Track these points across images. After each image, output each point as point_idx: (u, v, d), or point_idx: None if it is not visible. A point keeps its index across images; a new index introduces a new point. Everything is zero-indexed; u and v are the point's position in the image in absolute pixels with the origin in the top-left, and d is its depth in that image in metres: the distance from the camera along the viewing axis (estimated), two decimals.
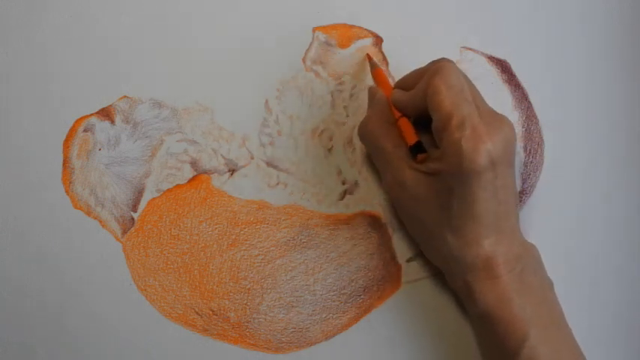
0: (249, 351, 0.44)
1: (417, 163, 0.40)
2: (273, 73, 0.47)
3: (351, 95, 0.47)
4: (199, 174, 0.46)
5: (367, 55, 0.47)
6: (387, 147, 0.41)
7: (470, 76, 0.47)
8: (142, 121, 0.47)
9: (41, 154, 0.46)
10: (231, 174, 0.46)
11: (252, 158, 0.46)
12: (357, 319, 0.45)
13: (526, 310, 0.38)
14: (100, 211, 0.45)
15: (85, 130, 0.46)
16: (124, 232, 0.45)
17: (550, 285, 0.40)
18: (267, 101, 0.47)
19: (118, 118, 0.46)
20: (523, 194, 0.46)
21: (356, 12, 0.48)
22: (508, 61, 0.48)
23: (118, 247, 0.45)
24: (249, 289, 0.45)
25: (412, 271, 0.45)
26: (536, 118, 0.47)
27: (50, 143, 0.46)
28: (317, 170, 0.46)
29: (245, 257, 0.45)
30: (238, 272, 0.45)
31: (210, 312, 0.45)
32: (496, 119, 0.39)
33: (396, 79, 0.47)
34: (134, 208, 0.46)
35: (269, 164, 0.46)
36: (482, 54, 0.48)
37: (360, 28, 0.48)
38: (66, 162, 0.46)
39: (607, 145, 0.47)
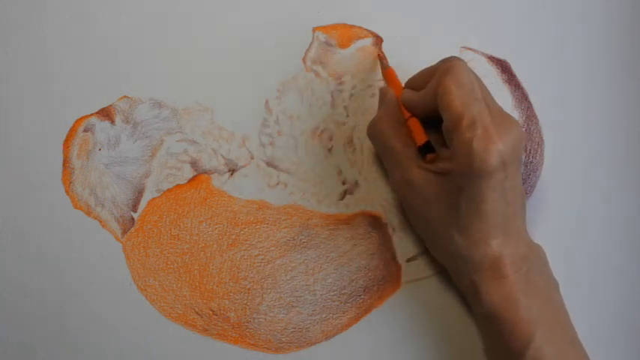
0: (249, 351, 0.44)
1: (426, 163, 0.40)
2: (273, 73, 0.47)
3: (351, 95, 0.47)
4: (199, 174, 0.46)
5: (379, 54, 0.47)
6: (397, 146, 0.41)
7: None
8: (142, 121, 0.47)
9: (41, 154, 0.46)
10: (231, 174, 0.46)
11: (252, 158, 0.46)
12: (357, 319, 0.45)
13: (532, 311, 0.38)
14: (100, 211, 0.45)
15: (85, 130, 0.46)
16: (124, 232, 0.45)
17: (556, 285, 0.40)
18: (267, 101, 0.47)
19: (118, 118, 0.46)
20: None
21: (356, 12, 0.48)
22: (508, 61, 0.48)
23: (118, 247, 0.45)
24: (249, 289, 0.45)
25: (412, 271, 0.45)
26: (536, 118, 0.47)
27: (50, 143, 0.46)
28: (317, 170, 0.46)
29: (245, 257, 0.45)
30: (238, 272, 0.45)
31: (210, 312, 0.45)
32: (505, 119, 0.39)
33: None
34: (134, 208, 0.46)
35: (269, 164, 0.46)
36: (483, 54, 0.48)
37: (360, 28, 0.48)
38: (66, 162, 0.46)
39: (607, 145, 0.47)
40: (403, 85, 0.44)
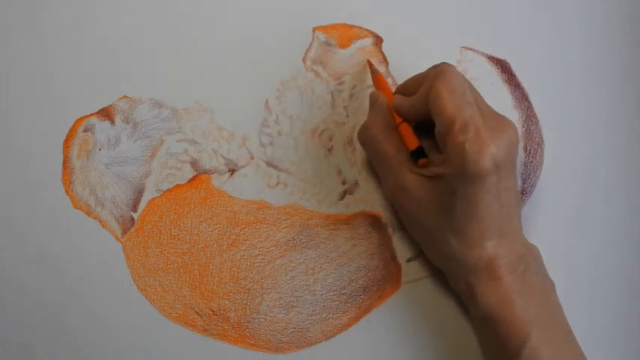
0: (249, 351, 0.44)
1: (418, 168, 0.40)
2: (273, 73, 0.47)
3: (351, 95, 0.47)
4: (199, 174, 0.46)
5: (368, 61, 0.47)
6: (389, 151, 0.41)
7: (470, 76, 0.47)
8: (142, 121, 0.47)
9: (41, 154, 0.46)
10: (231, 174, 0.46)
11: (252, 158, 0.46)
12: (357, 319, 0.45)
13: (528, 311, 0.38)
14: (100, 211, 0.45)
15: (85, 130, 0.46)
16: (124, 232, 0.45)
17: (552, 286, 0.40)
18: (267, 101, 0.47)
19: (118, 118, 0.46)
20: (523, 194, 0.46)
21: (356, 12, 0.48)
22: (508, 61, 0.48)
23: (118, 247, 0.45)
24: (249, 289, 0.45)
25: (412, 271, 0.45)
26: (536, 118, 0.47)
27: (50, 143, 0.46)
28: (317, 170, 0.46)
29: (245, 257, 0.45)
30: (238, 272, 0.45)
31: (210, 312, 0.45)
32: (499, 122, 0.39)
33: (396, 79, 0.47)
34: (134, 208, 0.46)
35: (269, 164, 0.46)
36: (483, 54, 0.48)
37: (360, 28, 0.48)
38: (66, 162, 0.46)
39: (607, 145, 0.47)
40: (393, 90, 0.44)
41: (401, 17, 0.48)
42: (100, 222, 0.45)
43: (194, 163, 0.46)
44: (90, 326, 0.44)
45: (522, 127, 0.47)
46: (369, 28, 0.48)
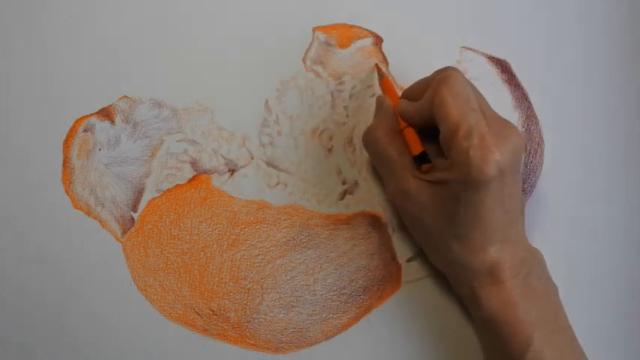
0: (249, 351, 0.44)
1: (422, 173, 0.40)
2: (273, 73, 0.47)
3: (351, 95, 0.47)
4: (199, 174, 0.46)
5: (376, 65, 0.47)
6: (392, 155, 0.41)
7: (470, 76, 0.47)
8: (142, 121, 0.47)
9: (41, 154, 0.46)
10: (231, 174, 0.46)
11: (252, 158, 0.46)
12: (357, 319, 0.45)
13: (531, 315, 0.38)
14: (100, 211, 0.45)
15: (85, 130, 0.46)
16: (124, 232, 0.45)
17: (555, 289, 0.40)
18: (267, 101, 0.47)
19: (118, 118, 0.46)
20: (523, 194, 0.46)
21: (356, 12, 0.48)
22: (508, 61, 0.48)
23: (118, 247, 0.45)
24: (249, 289, 0.45)
25: (412, 270, 0.45)
26: (536, 118, 0.47)
27: (50, 143, 0.46)
28: (317, 170, 0.46)
29: (245, 257, 0.45)
30: (238, 272, 0.45)
31: (210, 312, 0.45)
32: (504, 127, 0.39)
33: (396, 79, 0.47)
34: (134, 208, 0.46)
35: (269, 164, 0.46)
36: (483, 54, 0.48)
37: (360, 28, 0.48)
38: (66, 162, 0.46)
39: (607, 145, 0.47)
40: (400, 94, 0.44)
41: (401, 17, 0.48)
42: (100, 222, 0.45)
43: (194, 163, 0.46)
44: (90, 326, 0.44)
45: (522, 127, 0.47)
46: (369, 28, 0.48)
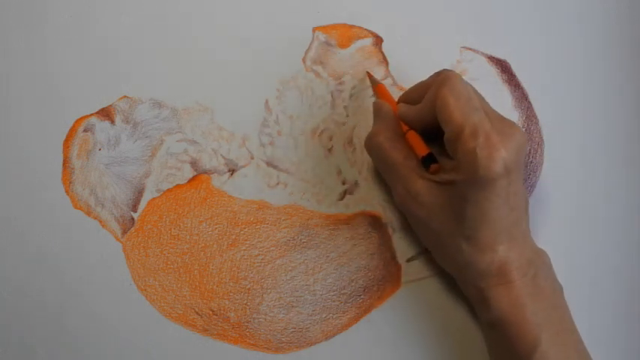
0: (249, 351, 0.44)
1: (430, 174, 0.40)
2: (273, 73, 0.47)
3: (351, 95, 0.47)
4: (199, 174, 0.46)
5: (367, 72, 0.47)
6: (397, 159, 0.41)
7: (470, 76, 0.47)
8: (142, 121, 0.47)
9: (41, 154, 0.46)
10: (231, 174, 0.46)
11: (252, 158, 0.46)
12: (357, 319, 0.45)
13: (538, 315, 0.38)
14: (100, 211, 0.45)
15: (85, 130, 0.46)
16: (124, 232, 0.45)
17: (560, 290, 0.40)
18: (267, 101, 0.47)
19: (118, 118, 0.46)
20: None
21: (356, 12, 0.48)
22: (508, 61, 0.48)
23: (118, 247, 0.45)
24: (249, 289, 0.45)
25: (412, 270, 0.45)
26: (536, 118, 0.47)
27: (50, 143, 0.46)
28: (317, 170, 0.46)
29: (245, 257, 0.45)
30: (238, 272, 0.45)
31: (210, 312, 0.45)
32: (506, 125, 0.39)
33: (396, 79, 0.47)
34: (134, 208, 0.46)
35: (269, 164, 0.46)
36: (483, 54, 0.48)
37: (360, 28, 0.48)
38: (66, 162, 0.46)
39: (607, 145, 0.47)
40: (396, 99, 0.44)
41: (401, 17, 0.48)
42: (100, 222, 0.45)
43: (194, 163, 0.46)
44: (90, 326, 0.44)
45: (522, 127, 0.47)
46: (369, 28, 0.48)
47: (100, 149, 0.46)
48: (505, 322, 0.38)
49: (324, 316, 0.45)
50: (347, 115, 0.47)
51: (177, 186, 0.46)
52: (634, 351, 0.45)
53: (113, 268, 0.45)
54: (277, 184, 0.46)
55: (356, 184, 0.46)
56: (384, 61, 0.47)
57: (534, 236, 0.42)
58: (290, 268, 0.45)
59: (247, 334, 0.44)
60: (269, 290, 0.45)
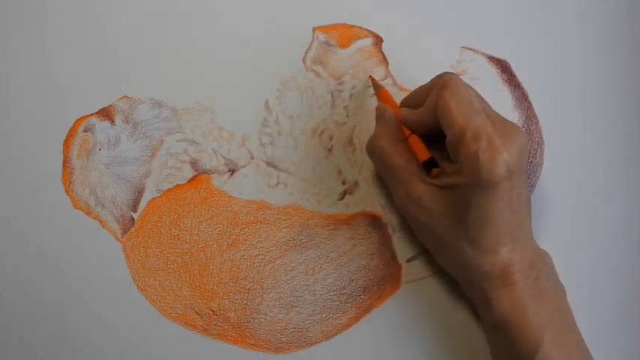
0: (249, 351, 0.44)
1: (431, 178, 0.40)
2: (273, 73, 0.47)
3: (351, 95, 0.47)
4: (199, 174, 0.46)
5: (370, 77, 0.47)
6: (399, 163, 0.41)
7: (470, 76, 0.47)
8: (142, 121, 0.47)
9: (41, 154, 0.46)
10: (231, 174, 0.46)
11: (252, 158, 0.46)
12: (357, 319, 0.45)
13: (541, 316, 0.38)
14: (100, 211, 0.45)
15: (85, 130, 0.46)
16: (124, 232, 0.45)
17: (563, 292, 0.40)
18: (267, 101, 0.47)
19: (118, 118, 0.46)
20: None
21: (356, 12, 0.48)
22: (508, 61, 0.48)
23: (118, 247, 0.45)
24: (249, 289, 0.45)
25: (412, 270, 0.45)
26: (536, 118, 0.47)
27: (50, 143, 0.46)
28: (317, 170, 0.46)
29: (245, 257, 0.45)
30: (238, 272, 0.45)
31: (210, 312, 0.45)
32: (508, 128, 0.39)
33: (396, 79, 0.47)
34: (134, 208, 0.46)
35: (269, 164, 0.46)
36: (483, 54, 0.48)
37: (360, 28, 0.48)
38: (66, 162, 0.46)
39: (607, 145, 0.47)
40: (396, 99, 0.44)
41: (401, 17, 0.48)
42: (100, 222, 0.45)
43: (194, 163, 0.46)
44: (90, 326, 0.44)
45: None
46: (369, 28, 0.48)
47: (100, 149, 0.46)
48: (507, 323, 0.38)
49: (324, 316, 0.45)
50: (347, 115, 0.47)
51: (177, 186, 0.46)
52: (634, 351, 0.45)
53: (113, 268, 0.45)
54: (277, 184, 0.46)
55: (356, 184, 0.46)
56: (384, 61, 0.47)
57: (535, 236, 0.42)
58: (290, 268, 0.45)
59: (247, 334, 0.44)
60: (269, 290, 0.45)
